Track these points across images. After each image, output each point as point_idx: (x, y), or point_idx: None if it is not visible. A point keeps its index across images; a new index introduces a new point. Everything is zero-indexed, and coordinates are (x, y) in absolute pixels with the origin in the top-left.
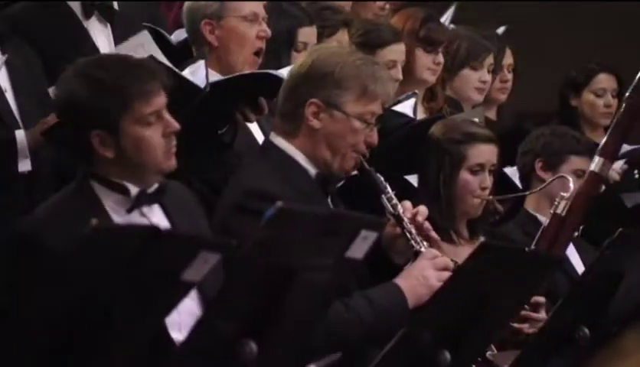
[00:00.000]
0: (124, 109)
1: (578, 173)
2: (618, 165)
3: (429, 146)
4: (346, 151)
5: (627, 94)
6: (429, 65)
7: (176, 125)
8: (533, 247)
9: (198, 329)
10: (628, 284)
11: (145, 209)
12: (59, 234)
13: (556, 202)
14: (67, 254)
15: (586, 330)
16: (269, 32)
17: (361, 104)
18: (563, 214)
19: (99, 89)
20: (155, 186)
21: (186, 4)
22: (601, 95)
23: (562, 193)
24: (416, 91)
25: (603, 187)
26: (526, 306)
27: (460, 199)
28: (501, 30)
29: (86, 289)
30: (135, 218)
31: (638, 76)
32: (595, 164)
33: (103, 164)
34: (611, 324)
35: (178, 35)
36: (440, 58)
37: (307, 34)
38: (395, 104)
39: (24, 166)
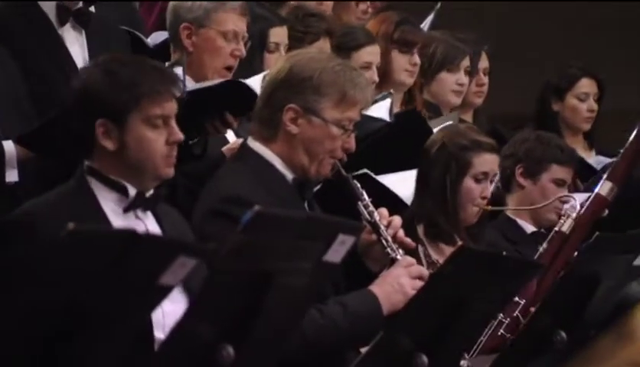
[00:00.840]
0: (134, 104)
1: (557, 183)
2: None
3: (436, 149)
4: (323, 156)
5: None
6: (405, 66)
7: (181, 136)
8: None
9: (176, 333)
10: (604, 288)
11: (140, 213)
12: (52, 227)
13: (561, 221)
14: (44, 256)
15: (564, 334)
16: (244, 53)
17: (339, 110)
18: (567, 232)
19: (114, 81)
20: (152, 192)
21: (171, 2)
22: (584, 99)
23: (569, 212)
24: (392, 91)
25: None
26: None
27: (460, 206)
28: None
29: (63, 292)
30: (131, 220)
31: None
32: (602, 187)
33: (102, 158)
34: (588, 328)
35: (155, 38)
36: (416, 59)
37: (278, 33)
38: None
39: (11, 177)
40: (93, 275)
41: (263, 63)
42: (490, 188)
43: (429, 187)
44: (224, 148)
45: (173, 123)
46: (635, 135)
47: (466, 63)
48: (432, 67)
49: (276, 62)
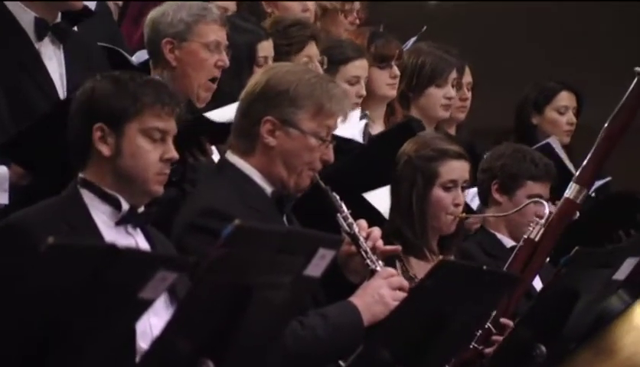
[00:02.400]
0: (135, 113)
1: (534, 198)
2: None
3: (402, 163)
4: (302, 168)
5: (606, 123)
6: (386, 81)
7: (176, 155)
8: (505, 269)
9: (157, 346)
10: (584, 302)
11: (131, 229)
12: (42, 236)
13: (530, 227)
14: (24, 270)
15: (543, 348)
16: (227, 63)
17: (316, 121)
18: (537, 239)
19: (120, 88)
20: (143, 209)
21: (151, 15)
22: (563, 112)
23: (537, 218)
24: (367, 112)
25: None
26: (493, 329)
27: (433, 217)
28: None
29: (43, 306)
30: (122, 235)
31: (617, 108)
32: (571, 190)
33: (95, 166)
34: (568, 342)
35: (140, 56)
36: (395, 71)
37: (266, 48)
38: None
39: (2, 199)
40: (74, 289)
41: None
42: (462, 195)
43: (398, 202)
44: None
45: (170, 141)
46: (601, 139)
47: (454, 75)
48: (420, 82)
49: None
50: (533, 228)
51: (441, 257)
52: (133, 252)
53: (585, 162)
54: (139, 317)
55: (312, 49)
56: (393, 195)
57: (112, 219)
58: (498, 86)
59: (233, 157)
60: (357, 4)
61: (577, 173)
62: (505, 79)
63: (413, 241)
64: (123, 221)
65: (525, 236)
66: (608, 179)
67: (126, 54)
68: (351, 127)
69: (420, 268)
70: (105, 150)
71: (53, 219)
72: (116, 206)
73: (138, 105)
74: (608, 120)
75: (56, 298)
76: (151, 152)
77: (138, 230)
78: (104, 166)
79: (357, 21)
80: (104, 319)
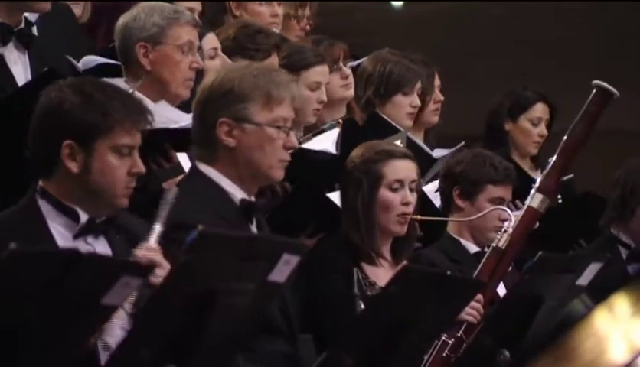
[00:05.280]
0: (105, 130)
1: (495, 202)
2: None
3: (348, 170)
4: (269, 162)
5: (567, 133)
6: (339, 83)
7: (142, 169)
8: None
9: (119, 353)
10: (547, 307)
11: (90, 239)
12: None
13: (497, 236)
14: None
15: (507, 353)
16: (201, 64)
17: (268, 110)
18: (504, 247)
19: (88, 103)
20: (103, 217)
21: (122, 20)
22: (536, 124)
23: (499, 221)
24: (340, 120)
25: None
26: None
27: (382, 219)
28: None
29: (4, 313)
30: (80, 245)
31: (577, 118)
32: (534, 199)
33: (61, 180)
34: (531, 347)
35: (87, 62)
36: (345, 71)
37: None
38: (319, 132)
39: None
40: (35, 296)
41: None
42: (411, 195)
43: (346, 209)
44: (165, 184)
45: (136, 154)
46: (562, 147)
47: (419, 84)
48: (387, 90)
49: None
50: (501, 236)
51: (392, 261)
52: (95, 258)
53: (546, 170)
54: (104, 323)
55: (275, 58)
56: (342, 202)
57: (69, 232)
58: (465, 91)
59: (201, 165)
60: (307, 11)
61: (539, 182)
62: (473, 83)
63: (361, 247)
64: (82, 233)
65: (493, 244)
66: (571, 176)
67: (74, 61)
68: (325, 137)
69: (373, 274)
70: (73, 167)
71: (6, 230)
72: (74, 218)
73: (108, 122)
74: (568, 130)
75: (18, 304)
76: (120, 168)
77: (101, 238)
78: (70, 180)
79: (308, 27)
80: (67, 327)
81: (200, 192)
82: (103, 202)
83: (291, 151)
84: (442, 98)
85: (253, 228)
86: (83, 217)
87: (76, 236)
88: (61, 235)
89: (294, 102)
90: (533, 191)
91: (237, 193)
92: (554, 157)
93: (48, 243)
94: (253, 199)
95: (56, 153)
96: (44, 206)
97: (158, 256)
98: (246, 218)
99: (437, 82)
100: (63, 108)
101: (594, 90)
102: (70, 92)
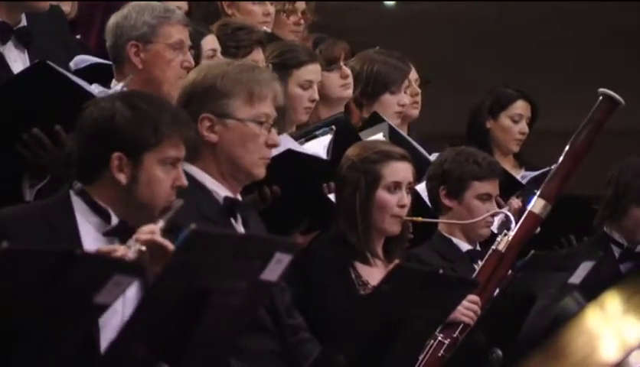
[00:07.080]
0: (154, 143)
1: (482, 198)
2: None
3: (345, 168)
4: (250, 158)
5: (571, 138)
6: (338, 82)
7: (185, 182)
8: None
9: (112, 351)
10: (539, 305)
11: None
12: (22, 234)
13: (498, 239)
14: None
15: (499, 352)
16: (192, 63)
17: (250, 106)
18: (504, 251)
19: (139, 117)
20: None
21: (113, 20)
22: (517, 121)
23: (505, 231)
24: (333, 127)
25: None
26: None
27: (378, 219)
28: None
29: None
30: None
31: (581, 125)
32: (536, 205)
33: (103, 188)
34: (523, 345)
35: (78, 62)
36: (345, 71)
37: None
38: (311, 138)
39: None
40: (28, 295)
41: None
42: (407, 197)
43: (342, 207)
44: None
45: (180, 167)
46: (566, 154)
47: (406, 82)
48: (375, 89)
49: None
50: (501, 239)
51: (385, 261)
52: (88, 257)
53: (549, 177)
54: (95, 322)
55: (259, 54)
56: (337, 200)
57: (99, 231)
58: (457, 91)
59: (186, 165)
60: (300, 5)
61: (542, 188)
62: (465, 83)
63: (357, 246)
64: (113, 232)
65: (493, 247)
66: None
67: (61, 70)
68: (317, 142)
69: (366, 273)
70: (122, 178)
71: (35, 221)
72: (106, 219)
73: (158, 136)
74: (573, 135)
75: (10, 303)
76: (165, 180)
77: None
78: (114, 190)
79: (302, 22)
80: (60, 324)
81: (187, 193)
82: (145, 213)
83: (273, 149)
84: (418, 91)
85: (239, 227)
86: (114, 219)
87: (105, 234)
88: (90, 233)
89: (276, 99)
90: (535, 197)
91: (221, 191)
92: (557, 164)
93: (74, 239)
94: (238, 197)
95: (104, 163)
96: (78, 204)
97: (159, 237)
98: (230, 216)
99: (414, 75)
100: (114, 120)
101: (600, 98)
102: (120, 105)
